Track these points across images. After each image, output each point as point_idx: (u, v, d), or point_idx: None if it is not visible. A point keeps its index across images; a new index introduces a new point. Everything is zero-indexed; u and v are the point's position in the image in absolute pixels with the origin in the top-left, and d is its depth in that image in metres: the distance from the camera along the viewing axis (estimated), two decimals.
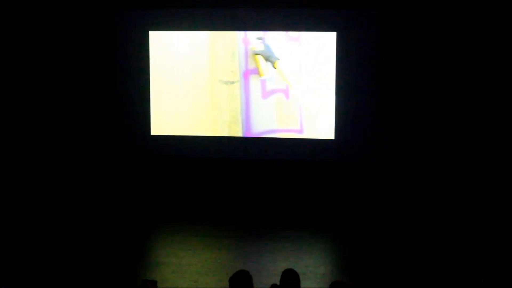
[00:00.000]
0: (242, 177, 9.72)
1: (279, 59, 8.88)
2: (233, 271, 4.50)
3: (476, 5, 8.70)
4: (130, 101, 9.86)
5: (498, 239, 7.88)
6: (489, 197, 8.70)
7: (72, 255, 7.55)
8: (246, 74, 9.55)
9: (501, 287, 6.43)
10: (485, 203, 8.69)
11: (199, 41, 9.61)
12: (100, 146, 9.93)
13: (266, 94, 9.55)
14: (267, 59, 9.06)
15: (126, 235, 8.59)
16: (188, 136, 9.76)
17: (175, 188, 9.82)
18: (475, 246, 7.74)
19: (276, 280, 4.69)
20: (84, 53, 9.80)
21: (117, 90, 9.88)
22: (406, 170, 9.15)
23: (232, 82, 9.58)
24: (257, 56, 9.09)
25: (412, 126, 9.12)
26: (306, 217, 9.33)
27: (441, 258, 7.44)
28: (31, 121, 9.71)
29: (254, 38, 9.19)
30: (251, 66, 9.53)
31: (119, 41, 9.80)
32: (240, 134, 9.67)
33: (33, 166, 9.67)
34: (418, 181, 9.09)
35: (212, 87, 9.63)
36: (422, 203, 9.00)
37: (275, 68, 8.83)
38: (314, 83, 9.35)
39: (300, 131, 9.49)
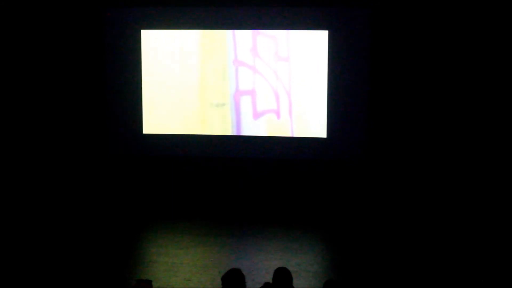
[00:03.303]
0: (234, 176, 9.71)
1: None
2: (225, 270, 4.50)
3: (468, 2, 8.74)
4: (122, 100, 9.83)
5: (498, 239, 7.90)
6: (487, 197, 8.72)
7: (65, 254, 7.53)
8: (236, 96, 9.56)
9: (501, 287, 6.46)
10: (482, 201, 8.72)
11: (191, 40, 9.58)
12: (91, 145, 9.89)
13: (257, 115, 9.56)
14: None
15: (119, 234, 8.58)
16: (180, 135, 9.74)
17: (167, 186, 9.79)
18: (471, 245, 7.77)
19: (269, 278, 4.71)
20: (75, 52, 9.74)
21: (109, 89, 9.84)
22: (399, 168, 9.17)
23: (223, 104, 9.58)
24: None
25: (405, 125, 9.14)
26: (299, 215, 9.35)
27: (435, 256, 7.47)
28: (20, 121, 9.66)
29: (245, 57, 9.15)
30: (242, 87, 9.53)
31: (111, 39, 9.76)
32: (230, 133, 9.67)
33: (23, 166, 9.62)
34: (412, 180, 9.11)
35: (203, 86, 9.61)
36: (416, 202, 9.03)
37: None
38: (306, 81, 9.36)
39: None
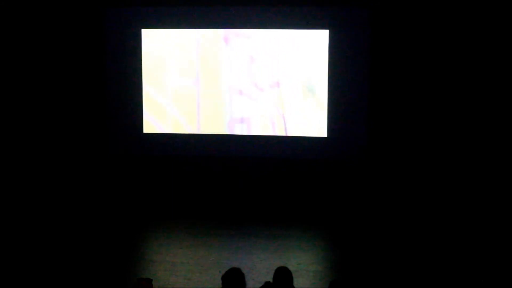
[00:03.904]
0: (234, 175, 9.71)
1: None
2: (225, 269, 4.50)
3: (468, 2, 8.75)
4: (122, 100, 9.83)
5: (498, 239, 7.89)
6: (487, 196, 8.72)
7: (65, 254, 7.54)
8: (231, 124, 9.58)
9: (501, 287, 6.46)
10: (482, 200, 8.71)
11: (191, 40, 9.59)
12: (92, 144, 9.89)
13: None
14: None
15: (119, 233, 8.58)
16: (180, 134, 9.75)
17: (167, 186, 9.80)
18: (472, 245, 7.77)
19: (269, 278, 4.71)
20: (76, 52, 9.74)
21: (109, 89, 9.85)
22: (399, 168, 9.18)
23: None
24: None
25: (405, 124, 9.15)
26: (299, 215, 9.35)
27: (436, 256, 7.47)
28: (21, 121, 9.65)
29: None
30: (236, 115, 9.56)
31: (111, 39, 9.76)
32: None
33: (24, 166, 9.62)
34: (412, 180, 9.11)
35: (203, 85, 9.62)
36: (416, 201, 9.03)
37: None
38: (306, 80, 9.36)
39: None
